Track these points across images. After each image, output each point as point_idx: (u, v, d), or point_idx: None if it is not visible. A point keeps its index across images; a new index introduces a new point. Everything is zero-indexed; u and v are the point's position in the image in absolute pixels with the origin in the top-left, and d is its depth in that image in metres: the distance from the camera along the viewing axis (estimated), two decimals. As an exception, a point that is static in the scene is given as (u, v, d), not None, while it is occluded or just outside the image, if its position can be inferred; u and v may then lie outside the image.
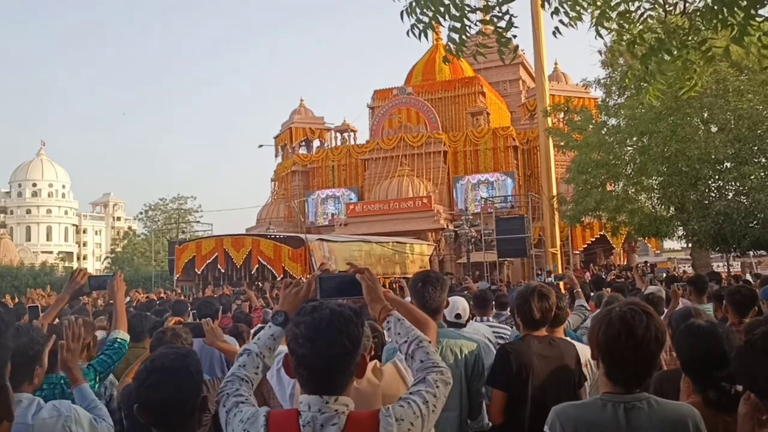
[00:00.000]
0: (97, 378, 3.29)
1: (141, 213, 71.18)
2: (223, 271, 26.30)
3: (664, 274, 19.13)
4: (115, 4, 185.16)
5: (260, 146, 46.75)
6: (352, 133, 43.57)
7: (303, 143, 45.48)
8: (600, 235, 29.96)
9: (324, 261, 22.12)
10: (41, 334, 2.77)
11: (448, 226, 33.64)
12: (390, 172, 37.53)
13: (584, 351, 3.69)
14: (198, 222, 55.87)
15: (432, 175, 37.08)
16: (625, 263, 33.84)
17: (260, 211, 43.07)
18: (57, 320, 3.87)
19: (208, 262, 26.86)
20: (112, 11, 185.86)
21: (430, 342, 2.17)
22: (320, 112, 46.39)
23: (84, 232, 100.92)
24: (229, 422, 1.93)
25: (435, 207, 34.43)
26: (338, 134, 44.04)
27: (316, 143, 45.55)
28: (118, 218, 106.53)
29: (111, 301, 10.45)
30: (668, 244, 34.96)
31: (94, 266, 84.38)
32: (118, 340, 3.48)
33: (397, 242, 29.97)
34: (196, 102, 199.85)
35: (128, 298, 12.72)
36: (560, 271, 20.64)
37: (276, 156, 46.40)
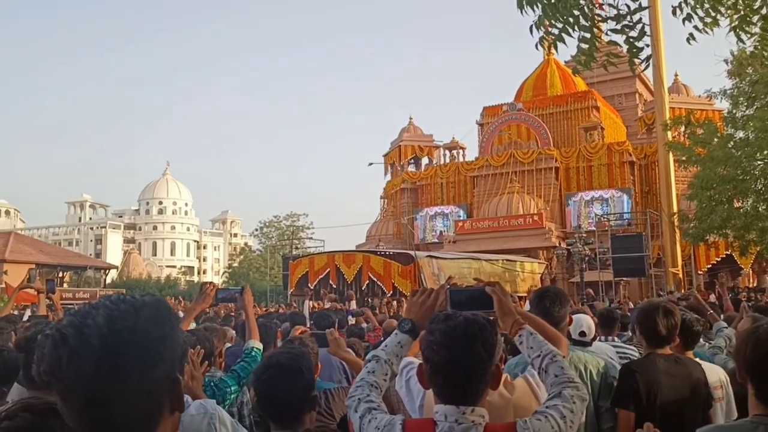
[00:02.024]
0: (240, 384, 3.47)
1: (256, 230, 74.10)
2: (335, 286, 26.84)
3: None
4: (243, 27, 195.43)
5: (370, 164, 47.44)
6: (460, 150, 43.50)
7: (412, 161, 45.85)
8: (726, 254, 28.16)
9: (451, 275, 22.01)
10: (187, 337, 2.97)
11: (560, 244, 32.77)
12: (499, 189, 37.11)
13: (712, 371, 3.51)
14: (310, 238, 57.42)
15: (543, 192, 36.32)
16: (755, 285, 31.61)
17: (370, 228, 43.70)
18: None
19: (320, 277, 27.49)
20: (240, 35, 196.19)
21: (564, 357, 2.13)
22: (429, 130, 46.72)
23: (204, 247, 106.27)
24: (363, 428, 1.96)
25: (546, 224, 33.66)
26: (447, 151, 44.10)
27: (424, 161, 45.80)
28: (235, 234, 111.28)
29: (232, 313, 10.89)
30: (804, 265, 32.29)
31: (213, 280, 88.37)
32: (255, 348, 3.65)
33: (507, 260, 29.49)
34: (310, 124, 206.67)
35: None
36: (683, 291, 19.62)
37: (385, 174, 47.03)
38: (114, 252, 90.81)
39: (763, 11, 3.44)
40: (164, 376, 1.09)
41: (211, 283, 4.14)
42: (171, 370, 1.11)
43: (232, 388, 3.42)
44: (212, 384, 3.34)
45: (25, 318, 7.64)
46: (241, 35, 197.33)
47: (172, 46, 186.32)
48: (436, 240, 38.85)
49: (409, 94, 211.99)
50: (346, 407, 2.09)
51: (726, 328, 5.31)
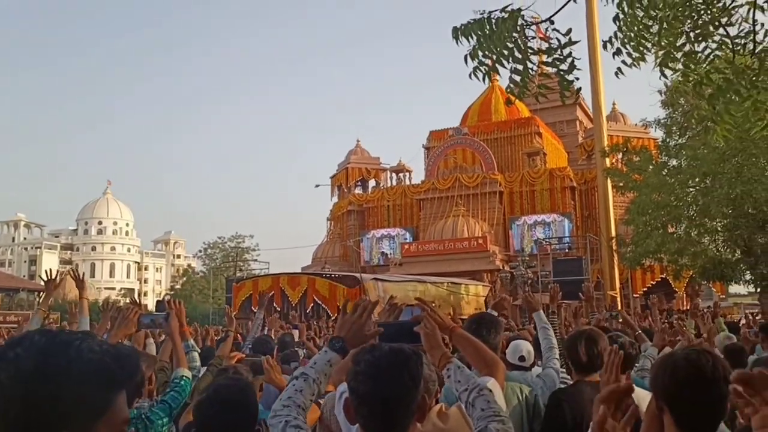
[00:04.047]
0: (171, 415, 3.36)
1: (200, 251, 72.73)
2: (279, 309, 26.54)
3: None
4: (193, 41, 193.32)
5: (317, 186, 47.29)
6: (407, 173, 43.87)
7: (359, 183, 46.01)
8: (661, 278, 29.07)
9: (393, 295, 22.05)
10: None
11: (503, 267, 33.27)
12: (445, 212, 37.51)
13: (645, 397, 3.57)
14: (255, 260, 56.74)
15: (487, 216, 36.88)
16: (689, 308, 32.63)
17: (316, 250, 43.51)
18: None
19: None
20: (190, 49, 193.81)
21: (490, 391, 2.14)
22: (376, 153, 46.93)
23: (145, 269, 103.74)
24: None
25: (490, 247, 34.15)
26: (394, 174, 44.41)
27: (371, 183, 46.04)
28: (178, 256, 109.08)
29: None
30: (734, 288, 33.60)
31: (154, 302, 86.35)
32: (184, 377, 3.55)
33: (452, 283, 29.73)
34: (255, 144, 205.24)
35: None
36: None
37: (332, 196, 47.03)
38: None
39: (686, 48, 3.61)
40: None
41: (134, 307, 4.00)
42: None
43: (164, 420, 3.29)
44: (143, 416, 3.20)
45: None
46: (192, 50, 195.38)
47: (115, 57, 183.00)
48: (383, 262, 38.94)
49: (357, 117, 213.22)
50: (269, 426, 2.02)
51: (651, 347, 5.43)
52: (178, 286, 72.28)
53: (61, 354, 1.05)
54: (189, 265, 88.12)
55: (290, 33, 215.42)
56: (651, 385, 2.13)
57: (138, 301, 5.37)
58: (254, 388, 2.59)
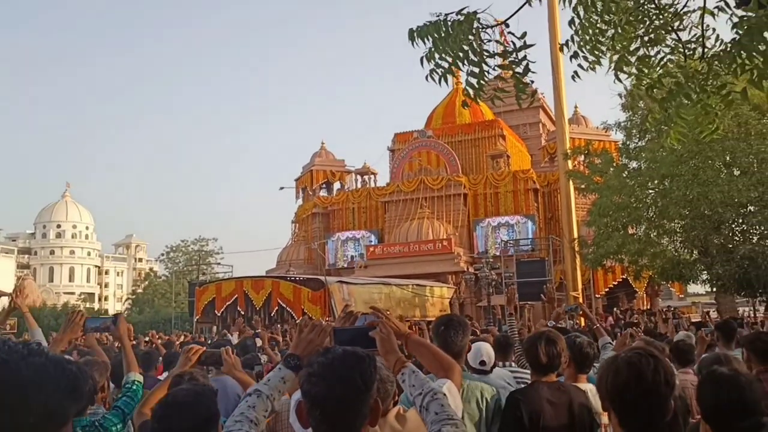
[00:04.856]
0: (125, 420, 3.33)
1: (162, 254, 71.77)
2: (243, 312, 26.30)
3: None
4: (159, 50, 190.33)
5: (281, 188, 47.03)
6: (372, 176, 43.89)
7: (324, 186, 45.86)
8: (622, 278, 29.59)
9: (347, 303, 22.06)
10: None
11: (468, 269, 33.48)
12: (410, 214, 37.61)
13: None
14: (219, 264, 56.12)
15: (452, 218, 37.08)
16: (649, 307, 33.31)
17: (280, 253, 43.24)
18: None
19: (227, 303, 26.89)
20: (152, 54, 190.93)
21: (445, 395, 2.14)
22: (341, 155, 46.89)
23: (106, 273, 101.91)
24: None
25: (455, 249, 34.34)
26: (359, 177, 44.39)
27: (336, 186, 45.93)
28: (140, 259, 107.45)
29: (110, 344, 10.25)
30: (693, 288, 34.39)
31: (115, 307, 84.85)
32: (136, 381, 3.50)
33: (417, 285, 29.83)
34: (217, 146, 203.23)
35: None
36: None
37: (297, 198, 46.80)
38: (5, 278, 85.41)
39: (640, 52, 3.66)
40: None
41: (79, 311, 3.94)
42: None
43: (118, 426, 3.25)
44: (96, 423, 3.15)
45: None
46: (153, 50, 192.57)
47: (78, 58, 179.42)
48: (347, 265, 38.87)
49: (322, 119, 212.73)
50: None
51: (610, 344, 5.49)
52: (139, 291, 71.09)
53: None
54: (151, 269, 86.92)
55: (251, 32, 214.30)
56: (597, 387, 2.19)
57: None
58: (212, 393, 2.56)
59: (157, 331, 18.13)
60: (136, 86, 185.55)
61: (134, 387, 3.47)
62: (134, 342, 12.34)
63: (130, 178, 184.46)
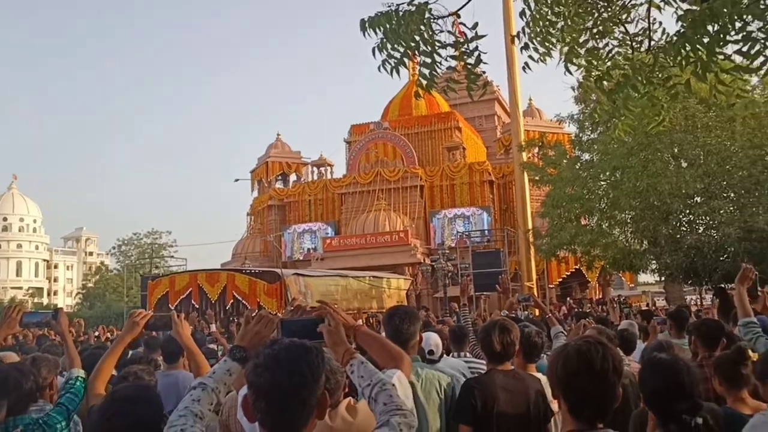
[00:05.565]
0: (69, 417, 3.25)
1: (114, 248, 70.37)
2: (197, 306, 25.92)
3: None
4: (93, 28, 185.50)
5: (236, 180, 46.58)
6: (328, 168, 43.74)
7: (279, 177, 45.48)
8: (575, 269, 30.14)
9: (297, 297, 21.92)
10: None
11: (424, 260, 33.66)
12: (367, 206, 37.60)
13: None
14: (172, 257, 55.33)
15: (409, 210, 37.22)
16: (601, 297, 34.06)
17: (236, 246, 42.77)
18: None
19: (182, 297, 26.44)
20: (89, 35, 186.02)
21: (393, 385, 2.13)
22: (297, 147, 46.63)
23: (55, 267, 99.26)
24: None
25: (412, 241, 34.47)
26: (315, 168, 44.17)
27: (292, 177, 45.59)
28: (91, 253, 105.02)
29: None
30: (643, 277, 35.28)
31: (65, 302, 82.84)
32: (79, 377, 3.41)
33: (373, 277, 29.84)
34: (170, 135, 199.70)
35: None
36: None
37: (252, 190, 46.32)
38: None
39: (589, 45, 3.71)
40: None
41: (16, 305, 3.82)
42: None
43: (63, 423, 3.17)
44: (40, 422, 3.08)
45: None
46: (102, 39, 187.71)
47: (19, 48, 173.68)
48: (304, 257, 38.69)
49: (277, 110, 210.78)
50: None
51: (562, 333, 5.58)
52: (90, 285, 69.50)
53: None
54: (102, 263, 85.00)
55: (212, 23, 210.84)
56: (547, 375, 2.22)
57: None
58: (155, 389, 2.51)
59: (107, 326, 17.74)
60: (86, 79, 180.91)
61: (77, 383, 3.38)
62: (84, 337, 12.04)
63: (80, 170, 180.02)
